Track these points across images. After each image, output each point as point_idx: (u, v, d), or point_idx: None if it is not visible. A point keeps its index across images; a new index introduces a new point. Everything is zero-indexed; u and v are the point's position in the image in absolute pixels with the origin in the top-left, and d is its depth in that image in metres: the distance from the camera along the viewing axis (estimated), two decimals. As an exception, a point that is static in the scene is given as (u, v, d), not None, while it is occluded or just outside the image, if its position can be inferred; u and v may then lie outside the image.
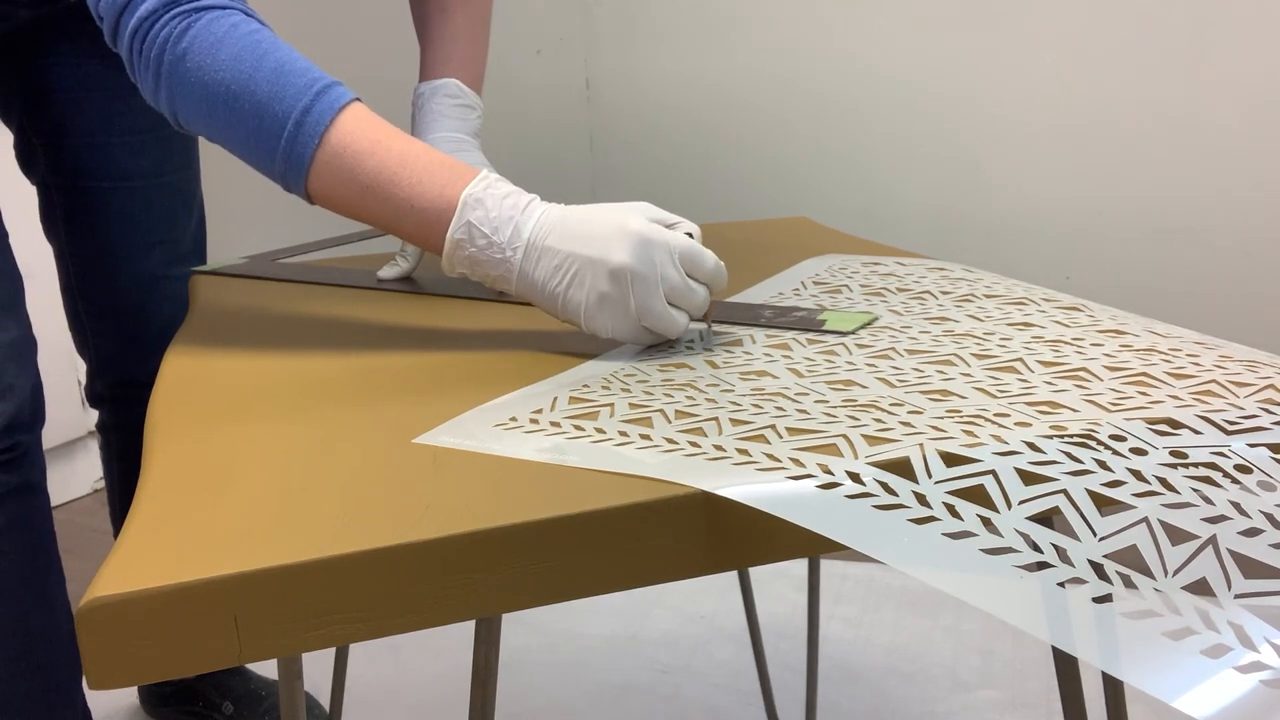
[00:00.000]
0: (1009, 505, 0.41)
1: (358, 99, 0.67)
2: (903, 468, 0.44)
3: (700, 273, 0.64)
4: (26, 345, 0.88)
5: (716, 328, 0.69)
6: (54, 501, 1.29)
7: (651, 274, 0.61)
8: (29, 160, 1.07)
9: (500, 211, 0.64)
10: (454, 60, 0.93)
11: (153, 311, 1.10)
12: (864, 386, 0.56)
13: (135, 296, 1.09)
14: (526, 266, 0.64)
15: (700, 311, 0.65)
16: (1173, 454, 0.44)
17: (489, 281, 0.66)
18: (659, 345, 0.66)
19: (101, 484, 1.92)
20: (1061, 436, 0.46)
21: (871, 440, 0.47)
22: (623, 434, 0.51)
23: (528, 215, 0.64)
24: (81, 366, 1.19)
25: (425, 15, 0.95)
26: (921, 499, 0.42)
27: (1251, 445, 0.45)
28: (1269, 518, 0.39)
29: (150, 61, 0.66)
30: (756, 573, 1.51)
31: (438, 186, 0.65)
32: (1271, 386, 0.52)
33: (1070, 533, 0.39)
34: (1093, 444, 0.45)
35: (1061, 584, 0.36)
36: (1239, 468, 0.43)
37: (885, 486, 0.42)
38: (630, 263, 0.61)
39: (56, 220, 1.08)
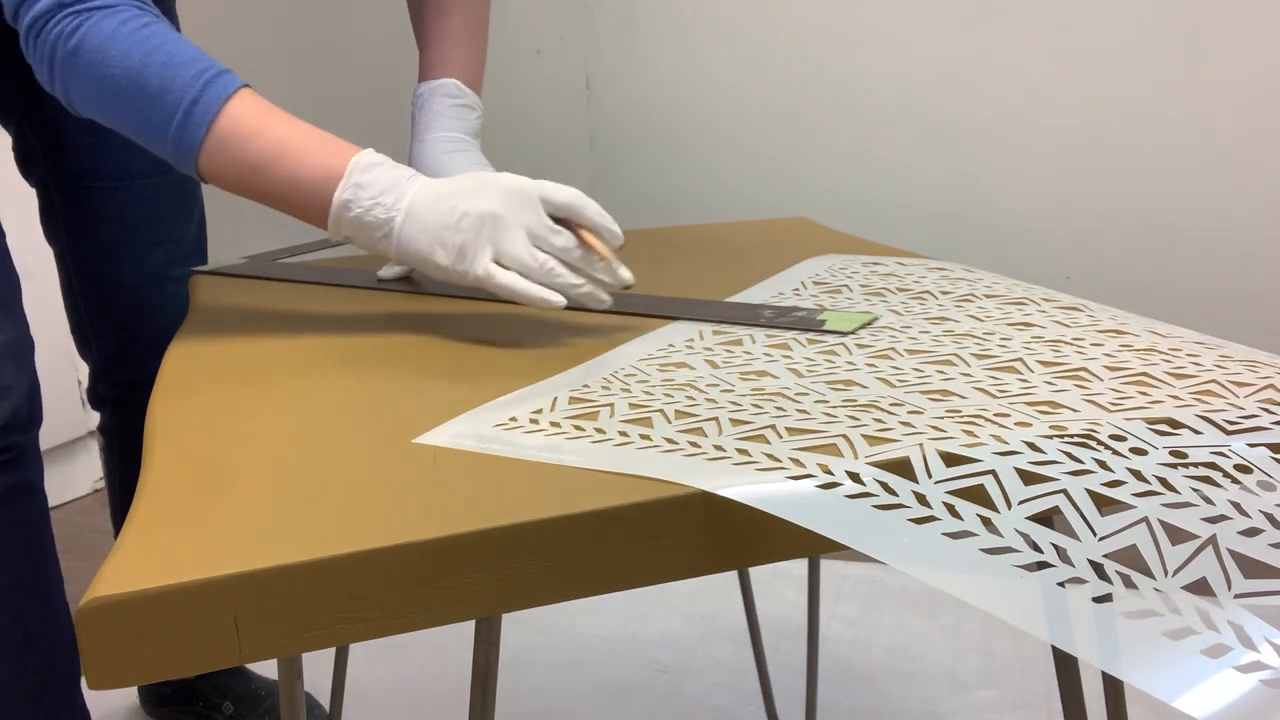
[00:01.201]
0: (1009, 505, 0.41)
1: (246, 85, 0.71)
2: (903, 468, 0.44)
3: (562, 211, 0.69)
4: (24, 346, 0.88)
5: (717, 327, 0.69)
6: (54, 501, 1.29)
7: (512, 216, 0.67)
8: (28, 161, 1.06)
9: (385, 177, 0.69)
10: (453, 61, 0.93)
11: (154, 311, 1.10)
12: (864, 386, 0.56)
13: (136, 297, 1.09)
14: (408, 229, 0.68)
15: (568, 254, 0.69)
16: (1173, 454, 0.44)
17: (370, 245, 0.70)
18: (659, 345, 0.66)
19: (101, 484, 1.92)
20: (1061, 436, 0.46)
21: (871, 440, 0.47)
22: (623, 434, 0.50)
23: (411, 183, 0.70)
24: (82, 367, 1.19)
25: (423, 16, 0.95)
26: (921, 499, 0.42)
27: (1251, 445, 0.45)
28: (1269, 518, 0.39)
29: (45, 58, 0.70)
30: (756, 573, 1.50)
31: (320, 158, 0.70)
32: (1271, 386, 0.52)
33: (1070, 533, 0.39)
34: (1093, 444, 0.45)
35: (1061, 584, 0.36)
36: (1239, 467, 0.43)
37: (885, 486, 0.42)
38: (494, 208, 0.67)
39: (56, 221, 1.07)
